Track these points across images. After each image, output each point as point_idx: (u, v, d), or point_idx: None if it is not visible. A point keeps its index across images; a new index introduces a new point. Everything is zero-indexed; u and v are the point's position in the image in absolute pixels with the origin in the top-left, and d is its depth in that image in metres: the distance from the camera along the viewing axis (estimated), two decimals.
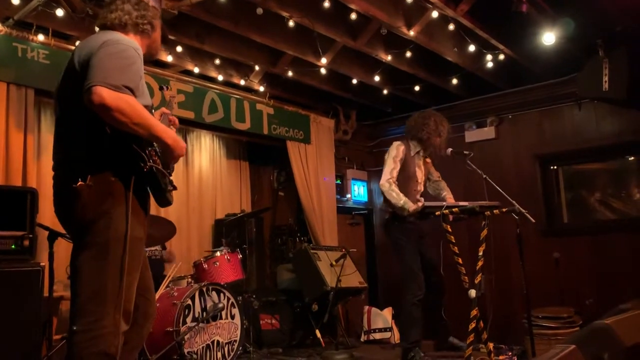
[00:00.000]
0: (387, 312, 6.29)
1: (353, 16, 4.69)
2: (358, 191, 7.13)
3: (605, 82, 4.56)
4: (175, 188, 2.35)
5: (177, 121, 2.54)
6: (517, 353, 4.67)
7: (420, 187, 4.59)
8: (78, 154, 2.17)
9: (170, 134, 2.23)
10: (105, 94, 2.01)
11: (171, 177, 2.34)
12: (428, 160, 4.72)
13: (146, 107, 2.18)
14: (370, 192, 7.28)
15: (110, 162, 2.16)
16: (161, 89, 2.77)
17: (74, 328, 2.05)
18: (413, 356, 4.25)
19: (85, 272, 2.11)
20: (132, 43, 2.25)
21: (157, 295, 4.39)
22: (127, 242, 2.10)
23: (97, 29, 2.43)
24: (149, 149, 2.20)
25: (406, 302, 4.30)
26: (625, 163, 5.79)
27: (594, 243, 5.55)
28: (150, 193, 2.32)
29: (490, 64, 5.51)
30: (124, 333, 2.13)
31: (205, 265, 4.86)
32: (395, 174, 4.40)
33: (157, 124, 2.19)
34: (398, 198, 4.29)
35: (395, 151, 4.47)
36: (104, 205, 2.11)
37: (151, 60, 3.28)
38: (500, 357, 4.28)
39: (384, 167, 4.47)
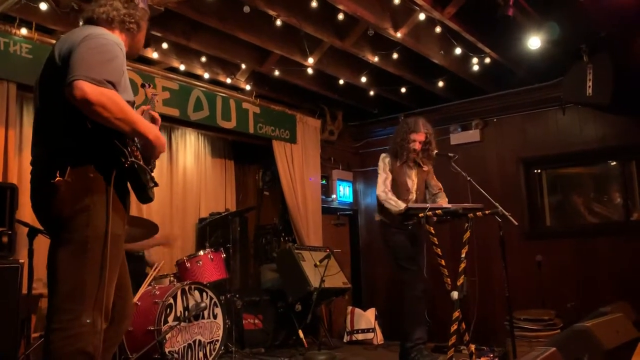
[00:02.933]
0: (370, 313, 6.29)
1: (340, 17, 4.67)
2: (343, 192, 7.12)
3: (589, 87, 4.60)
4: (156, 184, 2.32)
5: (159, 118, 2.51)
6: (499, 355, 4.70)
7: (413, 196, 4.63)
8: (57, 149, 2.14)
9: (152, 130, 2.21)
10: (87, 88, 1.98)
11: (152, 174, 2.31)
12: (426, 168, 4.72)
13: (128, 102, 2.15)
14: (355, 193, 7.28)
15: (91, 157, 2.12)
16: (143, 86, 2.74)
17: (50, 326, 2.02)
18: (415, 356, 4.27)
19: (63, 269, 2.07)
20: (115, 38, 2.22)
21: (138, 294, 4.37)
22: (107, 239, 2.06)
23: (81, 22, 2.39)
24: (131, 144, 2.17)
25: (406, 298, 4.37)
26: (607, 168, 5.84)
27: (576, 246, 5.60)
28: (131, 189, 2.28)
29: (476, 67, 5.54)
30: (102, 331, 2.09)
31: (188, 264, 4.83)
32: (388, 183, 4.55)
33: (140, 120, 2.16)
34: (397, 205, 4.39)
35: (382, 163, 4.66)
36: (83, 201, 2.08)
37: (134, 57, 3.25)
38: (482, 359, 4.29)
39: (378, 179, 4.62)
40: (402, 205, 4.34)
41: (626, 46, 4.51)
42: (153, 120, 2.44)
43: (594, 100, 4.68)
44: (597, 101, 4.67)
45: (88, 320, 2.01)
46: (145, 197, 2.27)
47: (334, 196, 6.96)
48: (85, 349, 2.00)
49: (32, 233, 3.41)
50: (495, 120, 6.28)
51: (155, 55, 4.96)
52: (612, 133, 5.50)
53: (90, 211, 2.08)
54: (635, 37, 4.34)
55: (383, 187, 4.53)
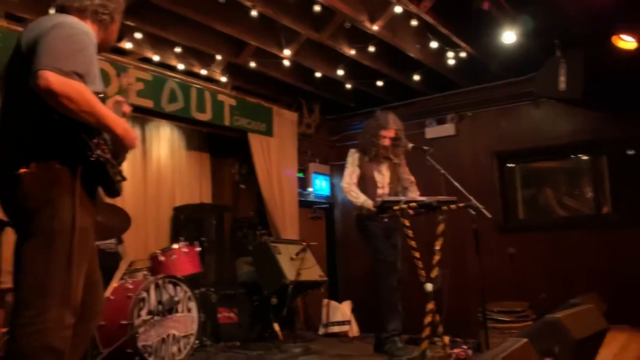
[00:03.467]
0: (346, 306, 6.30)
1: (317, 8, 4.64)
2: (320, 185, 7.11)
3: (562, 82, 4.65)
4: (124, 179, 2.27)
5: (130, 110, 2.45)
6: (472, 346, 4.73)
7: (383, 191, 4.69)
8: (23, 140, 2.08)
9: (120, 124, 2.15)
10: (52, 79, 1.92)
11: (121, 168, 2.26)
12: (397, 161, 4.74)
13: (97, 94, 2.09)
14: (332, 186, 7.27)
15: (57, 149, 2.07)
16: (119, 75, 2.67)
17: (16, 321, 1.96)
18: (389, 347, 4.29)
19: (29, 263, 2.01)
20: (85, 27, 2.16)
21: (111, 288, 4.30)
22: (74, 232, 2.01)
23: (51, 10, 2.32)
24: (98, 137, 2.12)
25: (382, 288, 4.43)
26: (579, 162, 5.94)
27: (548, 239, 5.68)
28: (99, 183, 2.23)
29: (451, 61, 5.56)
30: (70, 327, 2.04)
31: (162, 258, 4.79)
32: (354, 177, 4.68)
33: (106, 113, 2.10)
34: (357, 197, 4.55)
35: (351, 158, 4.77)
36: (49, 194, 2.02)
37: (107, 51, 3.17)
38: (455, 350, 4.32)
39: (344, 172, 4.73)
40: (362, 198, 4.49)
41: (598, 42, 4.56)
42: (123, 112, 2.39)
43: (567, 95, 4.74)
44: (570, 96, 4.73)
45: (55, 316, 1.96)
46: (113, 191, 2.23)
47: (310, 189, 6.94)
48: (51, 345, 1.95)
49: (0, 226, 3.31)
50: (470, 114, 6.32)
51: (128, 45, 4.86)
52: (584, 128, 5.58)
53: (55, 204, 2.03)
54: (607, 32, 4.40)
55: (348, 179, 4.66)
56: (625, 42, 4.42)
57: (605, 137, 5.46)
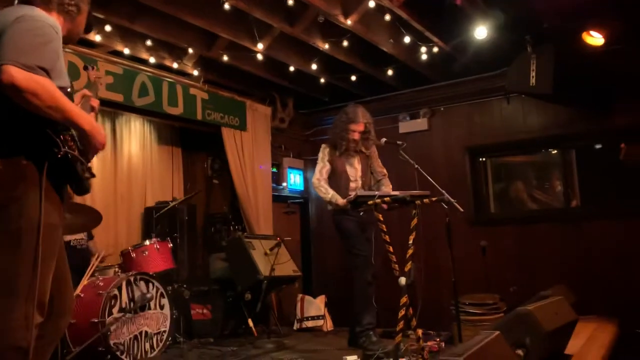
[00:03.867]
0: (320, 300, 6.31)
1: (290, 2, 4.60)
2: (294, 180, 7.09)
3: (533, 77, 4.72)
4: (93, 176, 2.23)
5: (98, 104, 2.39)
6: (445, 339, 4.79)
7: (355, 185, 4.71)
8: None
9: (87, 120, 2.10)
10: (16, 74, 1.86)
11: (90, 165, 2.21)
12: (369, 153, 4.76)
13: (63, 89, 2.04)
14: (306, 180, 7.26)
15: (23, 145, 2.01)
16: (86, 68, 2.60)
17: None
18: (364, 341, 4.31)
19: None
20: (50, 20, 2.09)
21: (81, 286, 4.23)
22: (40, 230, 1.95)
23: (16, 1, 2.24)
24: (65, 134, 2.06)
25: (356, 282, 4.46)
26: (549, 156, 6.04)
27: (519, 232, 5.77)
28: (66, 180, 2.17)
29: (424, 57, 5.59)
30: (39, 326, 2.00)
31: (134, 255, 4.75)
32: (325, 172, 4.71)
33: (73, 109, 2.05)
34: (326, 193, 4.60)
35: (321, 153, 4.79)
36: (15, 191, 1.96)
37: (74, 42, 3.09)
38: (429, 343, 4.36)
39: (315, 168, 4.77)
40: (330, 193, 4.55)
41: (568, 38, 4.64)
42: (91, 108, 2.33)
43: (537, 90, 4.81)
44: (540, 91, 4.80)
45: (21, 315, 1.91)
46: (81, 188, 2.18)
47: (284, 184, 6.92)
48: (16, 344, 1.90)
49: None
50: (442, 109, 6.38)
51: (97, 38, 4.77)
52: (553, 122, 5.67)
53: (22, 201, 1.97)
54: (576, 29, 4.47)
55: (318, 175, 4.70)
56: (594, 38, 4.50)
57: (574, 132, 5.56)
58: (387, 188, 4.76)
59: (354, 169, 4.75)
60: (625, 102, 5.21)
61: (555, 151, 5.90)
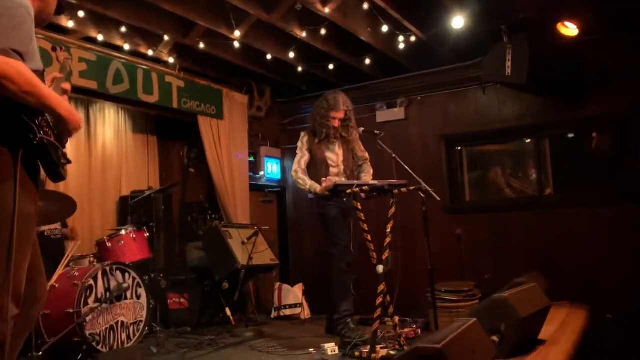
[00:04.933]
0: (298, 289, 6.33)
1: None
2: (271, 169, 7.07)
3: (508, 67, 4.76)
4: (69, 162, 2.17)
5: (69, 88, 2.33)
6: (421, 326, 4.86)
7: (338, 170, 4.71)
8: None
9: (64, 105, 2.04)
10: None
11: (65, 151, 2.15)
12: (350, 137, 4.75)
13: (36, 72, 1.98)
14: (283, 170, 7.25)
15: None
16: (54, 49, 2.52)
17: None
18: (342, 329, 4.33)
19: None
20: (22, 0, 2.03)
21: (56, 276, 4.17)
22: (15, 220, 1.91)
23: None
24: (40, 119, 2.01)
25: (334, 270, 4.46)
26: (523, 145, 6.12)
27: (493, 220, 5.85)
28: (42, 167, 2.12)
29: (402, 46, 5.59)
30: (13, 317, 1.95)
31: (109, 244, 4.70)
32: (303, 163, 4.69)
33: (49, 94, 1.99)
34: (304, 183, 4.59)
35: (300, 142, 4.77)
36: None
37: (46, 25, 3.00)
38: (406, 330, 4.42)
39: (294, 159, 4.74)
40: (308, 183, 4.55)
41: (543, 29, 4.69)
42: (64, 91, 2.27)
43: (512, 79, 4.85)
44: (515, 81, 4.84)
45: None
46: (57, 175, 2.13)
47: (261, 173, 6.90)
48: None
49: None
50: (419, 98, 6.40)
51: (70, 24, 4.66)
52: (528, 112, 5.74)
53: None
54: (552, 19, 4.52)
55: (296, 166, 4.68)
56: (568, 29, 4.56)
57: (548, 121, 5.64)
58: (367, 175, 4.76)
59: (335, 154, 4.74)
60: (597, 92, 5.30)
61: (530, 140, 5.98)
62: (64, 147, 2.15)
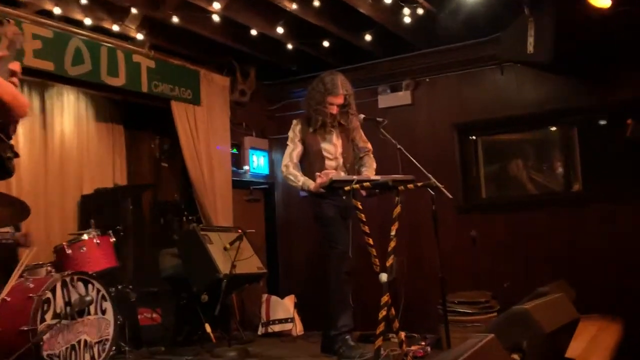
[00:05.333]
0: (289, 301, 6.34)
1: None
2: (257, 162, 7.08)
3: (531, 43, 4.76)
4: (17, 155, 2.17)
5: (19, 68, 2.32)
6: (431, 342, 4.88)
7: (336, 163, 4.70)
8: None
9: (8, 90, 2.04)
10: None
11: (12, 143, 2.15)
12: (350, 125, 4.74)
13: None
14: (271, 163, 7.26)
15: None
16: (0, 23, 2.50)
17: None
18: (340, 347, 4.34)
19: None
20: None
21: (7, 288, 4.15)
22: None
23: None
24: None
25: (331, 279, 4.48)
26: (547, 133, 6.14)
27: (513, 220, 5.88)
28: None
29: (407, 19, 5.59)
30: None
31: (69, 251, 4.71)
32: (295, 156, 4.70)
33: None
34: (295, 180, 4.60)
35: (292, 132, 4.78)
36: None
37: None
38: (413, 348, 4.44)
39: (285, 151, 4.76)
40: (301, 180, 4.56)
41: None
42: (11, 73, 2.26)
43: (535, 58, 4.86)
44: (539, 59, 4.86)
45: None
46: (4, 171, 2.13)
47: (246, 167, 6.90)
48: None
49: None
50: (427, 80, 6.42)
51: None
52: (553, 96, 5.76)
53: None
54: None
55: (287, 160, 4.69)
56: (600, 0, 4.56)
57: (576, 106, 5.66)
58: (369, 169, 4.76)
59: (333, 146, 4.72)
60: (632, 72, 5.32)
61: (555, 128, 6.00)
62: (10, 138, 2.15)
